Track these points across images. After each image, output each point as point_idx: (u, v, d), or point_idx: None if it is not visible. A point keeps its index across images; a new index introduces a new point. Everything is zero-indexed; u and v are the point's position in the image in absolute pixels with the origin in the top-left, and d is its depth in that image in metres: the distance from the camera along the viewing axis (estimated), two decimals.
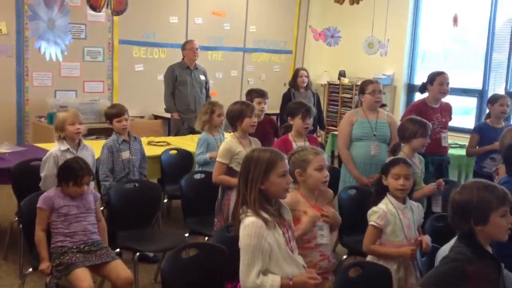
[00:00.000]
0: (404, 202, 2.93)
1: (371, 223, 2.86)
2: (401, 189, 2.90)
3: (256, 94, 4.74)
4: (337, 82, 8.66)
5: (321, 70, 8.81)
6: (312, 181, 2.75)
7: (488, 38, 7.28)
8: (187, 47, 6.41)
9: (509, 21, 7.06)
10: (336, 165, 6.09)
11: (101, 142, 5.62)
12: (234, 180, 3.64)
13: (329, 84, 8.78)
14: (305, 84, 6.35)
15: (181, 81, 6.32)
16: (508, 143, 3.08)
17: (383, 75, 8.02)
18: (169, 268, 2.67)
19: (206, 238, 3.76)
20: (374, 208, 2.88)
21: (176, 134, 6.35)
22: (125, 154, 4.17)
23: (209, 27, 7.89)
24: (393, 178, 2.89)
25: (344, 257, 3.79)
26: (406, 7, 7.91)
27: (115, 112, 4.17)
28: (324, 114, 8.34)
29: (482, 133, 4.75)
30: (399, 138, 3.85)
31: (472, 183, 2.25)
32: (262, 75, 8.62)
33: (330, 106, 8.79)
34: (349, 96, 8.51)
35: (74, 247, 3.15)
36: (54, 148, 3.84)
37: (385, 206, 2.87)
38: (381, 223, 2.84)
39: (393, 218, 2.85)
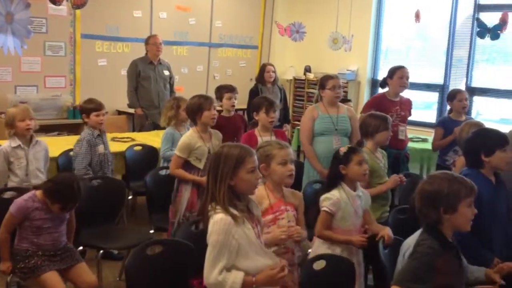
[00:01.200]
0: (355, 189, 3.03)
1: (323, 209, 2.94)
2: (365, 173, 3.04)
3: (226, 89, 4.75)
4: (303, 77, 8.71)
5: (287, 66, 8.85)
6: (276, 176, 2.77)
7: (449, 35, 7.43)
8: (150, 42, 6.34)
9: (470, 18, 7.22)
10: (302, 159, 6.13)
11: (63, 138, 5.59)
12: (189, 176, 3.71)
13: (295, 79, 8.83)
14: (272, 79, 6.37)
15: (145, 77, 6.24)
16: (467, 137, 3.15)
17: (348, 70, 8.11)
18: (133, 265, 2.65)
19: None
20: (327, 195, 2.97)
21: (140, 130, 6.29)
22: (101, 149, 4.15)
23: (174, 21, 7.82)
24: (357, 165, 2.99)
25: (309, 250, 3.81)
26: (369, 3, 8.00)
27: (94, 107, 4.13)
28: (290, 109, 8.39)
29: (446, 126, 4.86)
30: (361, 134, 3.89)
31: (441, 174, 2.35)
32: (228, 71, 8.59)
33: (296, 101, 8.84)
34: (315, 91, 8.56)
35: (40, 252, 3.09)
36: (5, 144, 3.77)
37: (338, 193, 2.97)
38: (333, 209, 2.93)
39: (345, 204, 2.96)
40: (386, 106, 4.59)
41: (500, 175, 2.99)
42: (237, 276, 2.21)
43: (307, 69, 8.69)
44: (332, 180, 3.04)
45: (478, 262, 2.63)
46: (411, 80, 4.88)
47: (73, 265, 3.13)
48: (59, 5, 5.46)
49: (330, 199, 2.94)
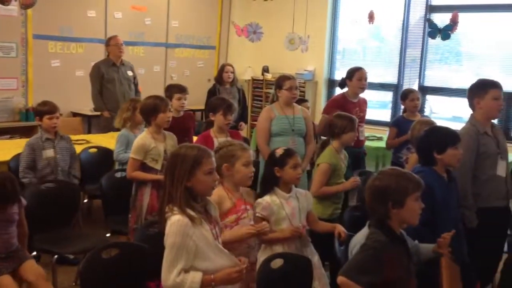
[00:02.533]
0: (289, 191, 3.02)
1: (256, 214, 2.92)
2: (299, 177, 3.04)
3: (176, 89, 4.70)
4: (261, 77, 8.74)
5: (245, 66, 8.84)
6: (239, 176, 2.78)
7: (402, 35, 7.61)
8: (111, 43, 6.21)
9: (422, 19, 7.40)
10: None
11: (16, 141, 5.43)
12: (149, 175, 3.66)
13: (253, 79, 8.85)
14: (230, 80, 6.37)
15: (109, 79, 6.11)
16: (420, 135, 3.22)
17: (305, 70, 8.18)
18: (88, 269, 2.60)
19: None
20: (258, 200, 2.95)
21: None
22: (49, 153, 4.08)
23: (129, 21, 7.70)
24: (292, 168, 2.98)
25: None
26: (324, 4, 8.10)
27: (47, 109, 4.08)
28: (249, 110, 8.40)
29: (399, 126, 4.97)
30: (328, 134, 3.92)
31: (390, 170, 2.42)
32: (186, 71, 8.53)
33: (255, 102, 8.86)
34: (273, 91, 8.60)
35: None
36: None
37: (269, 198, 2.96)
38: (265, 214, 2.91)
39: (277, 208, 2.94)
40: (347, 108, 4.64)
41: (453, 172, 3.07)
42: (195, 276, 2.21)
43: (265, 70, 8.73)
44: (267, 183, 3.03)
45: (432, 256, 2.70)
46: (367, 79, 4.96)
47: (22, 262, 3.11)
48: (8, 5, 5.30)
49: (260, 204, 2.93)
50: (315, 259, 2.99)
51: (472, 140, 3.28)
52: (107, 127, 6.23)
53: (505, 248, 3.70)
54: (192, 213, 2.25)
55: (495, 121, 3.95)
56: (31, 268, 3.12)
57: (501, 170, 3.30)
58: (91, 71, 6.20)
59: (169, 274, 2.19)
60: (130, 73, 6.33)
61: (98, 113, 6.28)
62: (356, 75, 4.80)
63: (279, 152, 3.03)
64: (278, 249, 2.92)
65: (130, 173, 3.70)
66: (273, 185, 2.99)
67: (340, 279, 2.24)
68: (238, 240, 2.71)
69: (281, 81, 4.38)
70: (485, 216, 3.23)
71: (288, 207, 2.97)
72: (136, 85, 6.41)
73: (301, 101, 5.34)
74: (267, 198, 2.95)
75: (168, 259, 2.21)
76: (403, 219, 2.35)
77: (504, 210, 3.38)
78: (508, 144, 3.75)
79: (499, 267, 3.63)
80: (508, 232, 3.63)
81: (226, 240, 2.56)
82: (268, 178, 3.03)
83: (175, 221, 2.22)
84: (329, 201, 3.61)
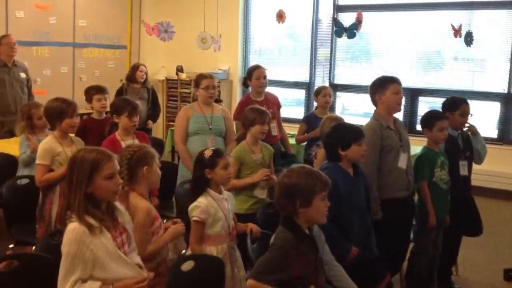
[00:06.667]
0: (220, 192, 3.01)
1: (193, 218, 2.87)
2: (230, 177, 3.04)
3: (94, 90, 4.57)
4: (175, 77, 8.64)
5: (158, 66, 8.70)
6: (155, 177, 2.75)
7: (312, 34, 7.78)
8: (2, 42, 5.85)
9: (331, 18, 7.60)
10: (176, 160, 6.06)
11: None
12: (58, 172, 3.51)
13: (167, 79, 8.73)
14: (143, 80, 6.25)
15: None
16: (327, 131, 3.29)
17: (219, 69, 8.17)
18: None
19: (34, 247, 3.50)
20: (195, 203, 2.89)
21: None
22: None
23: (32, 20, 7.31)
24: (222, 169, 2.96)
25: (183, 251, 3.77)
26: (236, 3, 8.14)
27: None
28: (164, 110, 8.28)
29: (309, 122, 5.09)
30: (242, 126, 3.91)
31: (299, 168, 2.43)
32: (96, 72, 8.24)
33: (170, 102, 8.75)
34: (188, 91, 8.53)
35: None
36: None
37: (205, 200, 2.91)
38: (203, 217, 2.87)
39: (214, 210, 2.91)
40: None
41: (360, 166, 3.16)
42: (92, 286, 2.13)
43: (179, 69, 8.64)
44: (198, 185, 2.97)
45: (338, 251, 2.76)
46: (282, 78, 5.03)
47: None
48: None
49: (198, 207, 2.87)
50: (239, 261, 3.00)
51: (376, 134, 3.40)
52: None
53: (411, 237, 3.86)
54: (91, 221, 2.16)
55: (401, 115, 4.12)
56: None
57: (402, 162, 3.44)
58: None
59: (64, 284, 2.11)
60: (23, 75, 6.00)
61: None
62: (254, 74, 4.88)
63: (208, 153, 2.98)
64: (211, 248, 2.89)
65: (40, 179, 3.53)
66: (205, 187, 2.94)
67: (249, 282, 2.24)
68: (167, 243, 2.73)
69: (198, 80, 4.36)
70: (389, 207, 3.35)
71: (223, 208, 2.95)
72: (29, 88, 6.09)
73: (216, 101, 5.31)
74: (203, 201, 2.89)
75: (63, 268, 2.13)
76: (310, 217, 2.38)
77: (407, 200, 3.53)
78: (412, 138, 3.93)
79: (406, 255, 3.81)
80: (413, 222, 3.78)
81: (160, 247, 2.65)
82: (199, 181, 2.97)
83: (71, 229, 2.14)
84: (245, 195, 3.62)
